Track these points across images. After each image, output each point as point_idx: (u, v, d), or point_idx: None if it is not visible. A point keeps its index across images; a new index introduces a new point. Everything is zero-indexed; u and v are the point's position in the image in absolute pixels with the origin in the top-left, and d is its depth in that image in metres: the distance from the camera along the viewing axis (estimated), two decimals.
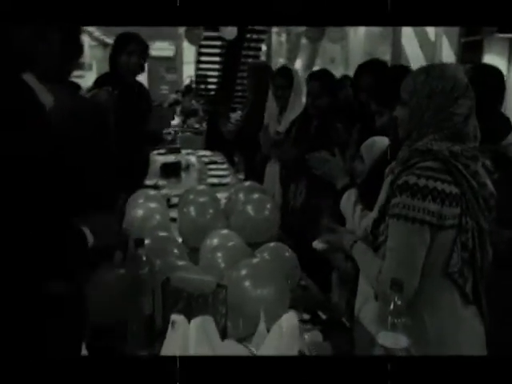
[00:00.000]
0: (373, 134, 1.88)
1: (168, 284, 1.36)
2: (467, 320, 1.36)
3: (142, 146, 2.79)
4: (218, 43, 8.70)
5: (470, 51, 5.31)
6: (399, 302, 1.08)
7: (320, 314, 1.63)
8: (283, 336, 0.83)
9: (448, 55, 6.77)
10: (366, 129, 2.05)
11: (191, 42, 7.04)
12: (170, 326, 0.78)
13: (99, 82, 2.62)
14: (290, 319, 0.85)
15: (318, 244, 1.57)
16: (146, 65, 2.80)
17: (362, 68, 2.31)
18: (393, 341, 1.08)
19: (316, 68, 9.91)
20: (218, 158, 4.51)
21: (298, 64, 10.97)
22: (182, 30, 8.95)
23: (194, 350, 0.75)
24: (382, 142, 1.77)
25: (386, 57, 7.79)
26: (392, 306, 1.08)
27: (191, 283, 1.35)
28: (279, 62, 10.12)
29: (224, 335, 1.26)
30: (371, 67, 2.26)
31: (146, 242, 1.64)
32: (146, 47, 2.73)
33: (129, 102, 2.50)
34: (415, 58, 7.72)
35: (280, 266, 1.61)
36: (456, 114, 1.30)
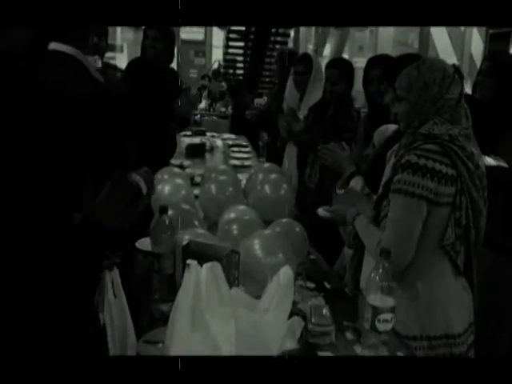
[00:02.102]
0: (380, 122, 2.01)
1: (188, 248, 1.54)
2: (456, 290, 1.50)
3: (170, 127, 2.95)
4: (247, 29, 8.79)
5: (497, 42, 5.32)
6: (387, 268, 1.23)
7: (325, 283, 1.79)
8: (280, 285, 0.99)
9: (477, 45, 6.73)
10: (374, 118, 2.19)
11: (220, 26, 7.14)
12: (186, 269, 0.95)
13: (131, 65, 2.79)
14: (286, 272, 1.01)
15: (322, 211, 1.73)
16: (175, 49, 2.93)
17: (372, 62, 2.43)
18: (381, 301, 1.24)
19: (344, 55, 9.94)
20: (242, 141, 4.67)
21: (327, 51, 10.98)
22: None
23: (204, 288, 0.91)
24: (392, 128, 1.90)
25: (415, 45, 7.76)
26: (381, 271, 1.23)
27: (208, 248, 1.52)
28: (308, 48, 10.17)
29: None
30: (380, 61, 2.38)
31: (170, 212, 1.82)
32: (173, 35, 2.87)
33: (159, 85, 2.67)
34: (443, 47, 7.68)
35: (289, 238, 1.77)
36: (450, 99, 1.45)
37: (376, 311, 1.24)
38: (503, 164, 1.94)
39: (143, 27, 2.97)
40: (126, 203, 1.22)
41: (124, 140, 1.50)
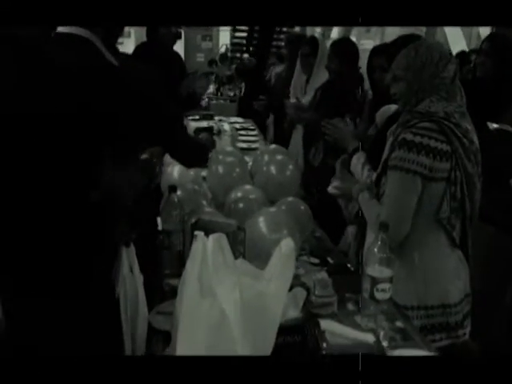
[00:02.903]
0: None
1: (196, 225, 1.61)
2: (452, 262, 1.57)
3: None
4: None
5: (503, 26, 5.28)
6: (385, 240, 1.29)
7: (328, 259, 1.86)
8: (282, 255, 1.06)
9: (485, 29, 6.66)
10: (378, 104, 2.23)
11: None
12: (193, 240, 1.02)
13: (138, 50, 2.85)
14: (287, 243, 1.07)
15: (331, 189, 1.80)
16: (182, 33, 2.97)
17: (375, 51, 2.47)
18: (379, 272, 1.30)
19: (352, 37, 9.87)
20: (249, 124, 4.71)
21: (335, 33, 10.88)
22: None
23: (211, 258, 0.98)
24: (393, 108, 1.95)
25: (423, 29, 7.68)
26: (379, 243, 1.30)
27: (215, 225, 1.59)
28: (315, 31, 10.10)
29: None
30: (383, 49, 2.41)
31: (179, 192, 1.89)
32: None
33: (164, 69, 2.72)
34: (452, 31, 7.60)
35: (293, 216, 1.84)
36: (445, 77, 1.51)
37: (374, 281, 1.30)
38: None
39: None
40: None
41: (135, 122, 1.56)
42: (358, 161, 1.82)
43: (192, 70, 7.55)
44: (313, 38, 3.25)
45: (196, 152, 1.79)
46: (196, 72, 6.01)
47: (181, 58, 3.17)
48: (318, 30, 10.16)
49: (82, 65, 1.35)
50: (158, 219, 1.75)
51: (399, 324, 1.44)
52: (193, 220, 1.61)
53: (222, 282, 0.97)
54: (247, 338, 0.99)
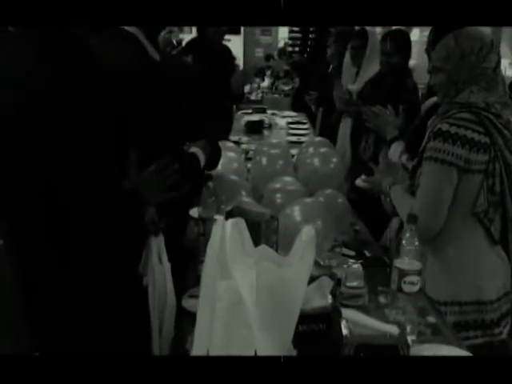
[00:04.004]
0: None
1: (231, 213, 1.65)
2: (490, 258, 1.51)
3: (225, 103, 3.07)
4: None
5: None
6: (414, 232, 1.27)
7: (365, 252, 1.85)
8: (302, 243, 1.07)
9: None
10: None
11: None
12: (214, 224, 1.05)
13: (189, 45, 2.93)
14: (308, 230, 1.08)
15: (360, 182, 1.78)
16: (241, 28, 3.04)
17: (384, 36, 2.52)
18: (408, 264, 1.28)
19: (415, 29, 9.58)
20: (302, 118, 4.71)
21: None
22: None
23: (229, 241, 1.01)
24: (434, 99, 1.89)
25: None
26: (408, 235, 1.28)
27: (249, 214, 1.62)
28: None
29: None
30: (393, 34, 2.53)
31: (219, 182, 1.94)
32: None
33: (213, 62, 2.78)
34: None
35: (330, 208, 1.84)
36: (486, 67, 1.46)
37: (402, 273, 1.29)
38: None
39: None
40: (171, 178, 1.33)
41: (174, 116, 1.60)
42: (395, 149, 1.80)
43: (251, 64, 7.59)
44: (363, 30, 3.19)
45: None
46: (253, 68, 6.05)
47: (230, 53, 3.22)
48: None
49: (127, 61, 1.42)
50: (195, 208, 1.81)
51: (431, 319, 1.41)
52: (228, 208, 1.65)
53: (239, 265, 0.99)
54: (264, 321, 1.01)
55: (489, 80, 1.46)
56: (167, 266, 1.35)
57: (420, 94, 2.84)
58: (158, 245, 1.33)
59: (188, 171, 1.56)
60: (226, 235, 0.99)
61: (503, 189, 1.46)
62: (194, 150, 1.65)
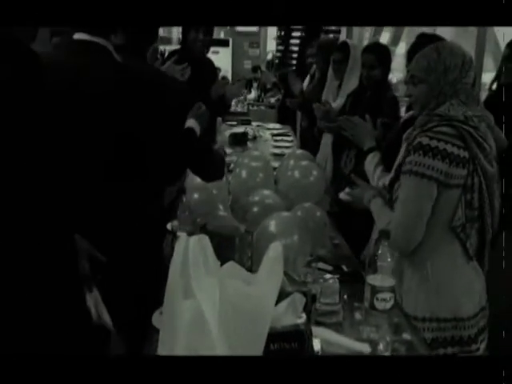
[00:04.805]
0: None
1: (205, 228, 1.62)
2: (467, 273, 1.50)
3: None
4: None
5: None
6: (386, 249, 1.25)
7: (343, 267, 1.82)
8: (269, 260, 1.05)
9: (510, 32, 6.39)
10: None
11: None
12: (176, 241, 1.02)
13: (171, 56, 2.90)
14: (275, 247, 1.05)
15: (343, 195, 1.76)
16: (229, 40, 3.04)
17: (366, 48, 2.55)
18: (380, 281, 1.26)
19: (402, 43, 9.69)
20: (286, 130, 4.71)
21: (385, 38, 10.73)
22: None
23: (191, 259, 0.98)
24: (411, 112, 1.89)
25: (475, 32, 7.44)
26: (380, 252, 1.26)
27: (223, 229, 1.59)
28: (364, 37, 9.97)
29: None
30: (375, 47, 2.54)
31: (196, 196, 1.91)
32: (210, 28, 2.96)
33: (195, 74, 2.76)
34: (505, 32, 7.32)
35: (307, 221, 1.81)
36: (467, 83, 1.46)
37: (374, 290, 1.26)
38: None
39: None
40: None
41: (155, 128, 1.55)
42: (371, 160, 1.79)
43: (239, 77, 7.61)
44: (344, 43, 3.20)
45: (216, 166, 1.79)
46: (241, 80, 6.07)
47: (213, 65, 3.20)
48: (366, 35, 10.04)
49: (91, 72, 1.39)
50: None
51: (406, 336, 1.39)
52: (201, 223, 1.63)
53: (202, 284, 0.97)
54: (229, 340, 0.98)
55: (468, 95, 1.46)
56: (107, 320, 1.25)
57: (403, 108, 2.85)
58: (93, 302, 1.23)
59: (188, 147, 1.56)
60: (189, 252, 0.96)
61: (481, 203, 1.44)
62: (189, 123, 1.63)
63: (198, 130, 1.64)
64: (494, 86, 2.29)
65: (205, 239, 1.00)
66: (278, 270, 1.04)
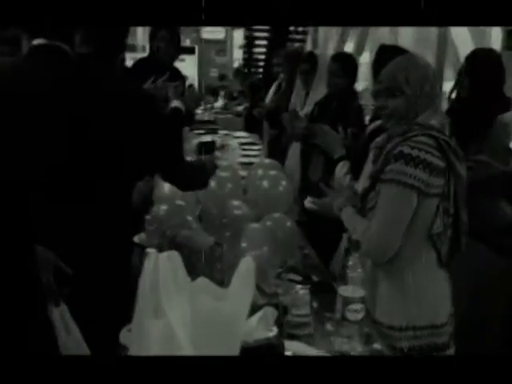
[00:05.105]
0: None
1: (174, 240, 1.59)
2: (441, 280, 1.52)
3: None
4: (266, 27, 8.82)
5: None
6: (357, 259, 1.26)
7: (313, 277, 1.82)
8: (240, 274, 1.03)
9: (496, 40, 6.61)
10: None
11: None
12: (146, 258, 1.00)
13: (137, 65, 2.87)
14: (245, 262, 1.04)
15: (307, 203, 1.76)
16: (195, 48, 3.00)
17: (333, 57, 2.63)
18: (351, 292, 1.26)
19: (365, 53, 9.88)
20: (254, 139, 4.71)
21: (349, 47, 10.92)
22: None
23: (161, 276, 0.96)
24: (378, 122, 1.92)
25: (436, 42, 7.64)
26: (351, 262, 1.26)
27: (192, 241, 1.57)
28: (329, 46, 10.12)
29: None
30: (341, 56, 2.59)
31: (165, 207, 1.88)
32: (177, 35, 2.93)
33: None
34: (464, 43, 7.54)
35: (277, 232, 1.81)
36: (438, 93, 1.50)
37: (346, 301, 1.26)
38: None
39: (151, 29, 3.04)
40: None
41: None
42: (341, 169, 1.80)
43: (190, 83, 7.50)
44: (311, 53, 3.24)
45: (192, 175, 1.76)
46: (192, 85, 5.88)
47: (180, 73, 3.17)
48: (330, 46, 10.19)
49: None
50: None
51: (377, 346, 1.39)
52: (170, 235, 1.60)
53: (173, 301, 0.94)
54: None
55: (438, 104, 1.50)
56: (78, 334, 1.22)
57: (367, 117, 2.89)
58: (62, 315, 1.19)
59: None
60: (159, 270, 0.94)
61: (456, 210, 1.47)
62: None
63: (183, 108, 1.63)
64: (453, 95, 2.36)
65: (175, 255, 0.98)
66: (250, 284, 1.03)
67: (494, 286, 1.79)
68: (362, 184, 1.70)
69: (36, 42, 1.37)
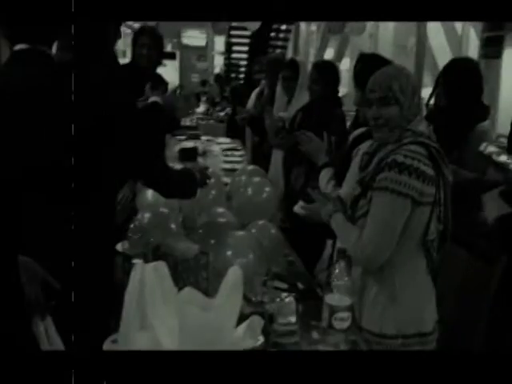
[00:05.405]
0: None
1: (158, 249, 1.58)
2: (428, 288, 1.53)
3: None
4: (247, 33, 8.86)
5: (490, 46, 5.31)
6: (343, 267, 1.26)
7: (298, 284, 1.82)
8: (228, 284, 1.02)
9: (474, 49, 6.75)
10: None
11: (217, 32, 7.22)
12: (132, 268, 0.98)
13: (119, 70, 2.83)
14: (233, 271, 1.03)
15: (297, 208, 1.75)
16: (176, 53, 2.97)
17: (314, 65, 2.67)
18: (338, 300, 1.26)
19: (345, 59, 9.98)
20: (236, 145, 4.71)
21: (329, 54, 11.03)
22: None
23: (148, 288, 0.94)
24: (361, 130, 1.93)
25: (414, 48, 7.76)
26: (337, 271, 1.26)
27: (178, 250, 1.55)
28: (310, 52, 10.20)
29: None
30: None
31: (148, 215, 1.86)
32: (160, 41, 2.91)
33: (142, 90, 2.70)
34: (441, 50, 7.69)
35: (262, 239, 1.80)
36: (422, 102, 1.50)
37: (332, 310, 1.26)
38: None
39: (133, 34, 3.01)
40: None
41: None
42: (324, 176, 1.81)
43: (188, 90, 7.56)
44: (293, 61, 3.25)
45: (176, 182, 1.74)
46: (177, 90, 5.96)
47: (163, 79, 3.15)
48: (311, 52, 10.28)
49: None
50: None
51: None
52: (155, 244, 1.58)
53: (160, 313, 0.93)
54: None
55: (422, 111, 1.51)
56: (60, 347, 1.19)
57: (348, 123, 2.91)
58: (46, 329, 1.16)
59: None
60: (146, 282, 0.93)
61: (445, 215, 1.48)
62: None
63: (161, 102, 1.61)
64: (431, 102, 2.39)
65: (162, 266, 0.97)
66: (237, 294, 1.03)
67: (476, 295, 1.81)
68: (345, 190, 1.70)
69: (18, 46, 1.35)
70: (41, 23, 1.34)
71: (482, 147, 1.98)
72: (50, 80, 1.40)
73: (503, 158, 1.93)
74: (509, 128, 2.13)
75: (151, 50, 2.84)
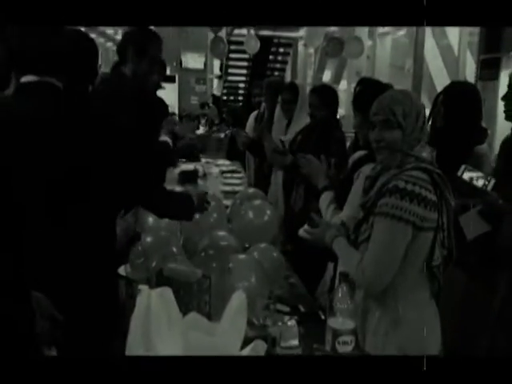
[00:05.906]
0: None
1: (161, 273, 1.58)
2: (432, 313, 1.52)
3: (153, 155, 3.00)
4: (245, 56, 8.98)
5: (487, 68, 5.37)
6: (346, 291, 1.26)
7: (300, 307, 1.82)
8: (232, 310, 1.03)
9: (471, 70, 6.83)
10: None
11: (216, 55, 7.32)
12: (138, 294, 0.99)
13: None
14: (237, 296, 1.04)
15: (302, 232, 1.76)
16: (176, 76, 3.01)
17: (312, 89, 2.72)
18: (341, 324, 1.27)
19: (343, 81, 10.11)
20: (236, 167, 4.73)
21: (327, 76, 11.16)
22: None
23: (154, 313, 0.95)
24: (362, 153, 1.96)
25: (411, 70, 7.85)
26: (340, 294, 1.27)
27: (180, 274, 1.56)
28: (308, 74, 10.32)
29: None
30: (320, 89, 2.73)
31: (149, 239, 1.87)
32: (163, 66, 2.96)
33: (146, 114, 2.74)
34: (437, 72, 7.79)
35: (264, 263, 1.81)
36: (426, 127, 1.53)
37: (336, 333, 1.27)
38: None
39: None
40: None
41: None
42: (325, 199, 1.82)
43: (185, 112, 7.61)
44: (293, 84, 3.30)
45: (172, 204, 1.76)
46: (189, 115, 6.02)
47: (164, 103, 3.20)
48: (309, 73, 10.40)
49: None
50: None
51: None
52: (157, 268, 1.59)
53: (165, 339, 0.94)
54: None
55: (426, 136, 1.52)
56: None
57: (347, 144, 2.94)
58: None
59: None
60: (151, 307, 0.93)
61: (449, 240, 1.49)
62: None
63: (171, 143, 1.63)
64: (429, 124, 2.42)
65: (167, 292, 0.98)
66: (242, 319, 1.03)
67: (475, 318, 1.81)
68: (346, 213, 1.71)
69: (25, 78, 1.36)
70: (49, 55, 1.36)
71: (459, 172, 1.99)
72: (59, 112, 1.42)
73: (480, 182, 1.97)
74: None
75: (154, 72, 2.89)
